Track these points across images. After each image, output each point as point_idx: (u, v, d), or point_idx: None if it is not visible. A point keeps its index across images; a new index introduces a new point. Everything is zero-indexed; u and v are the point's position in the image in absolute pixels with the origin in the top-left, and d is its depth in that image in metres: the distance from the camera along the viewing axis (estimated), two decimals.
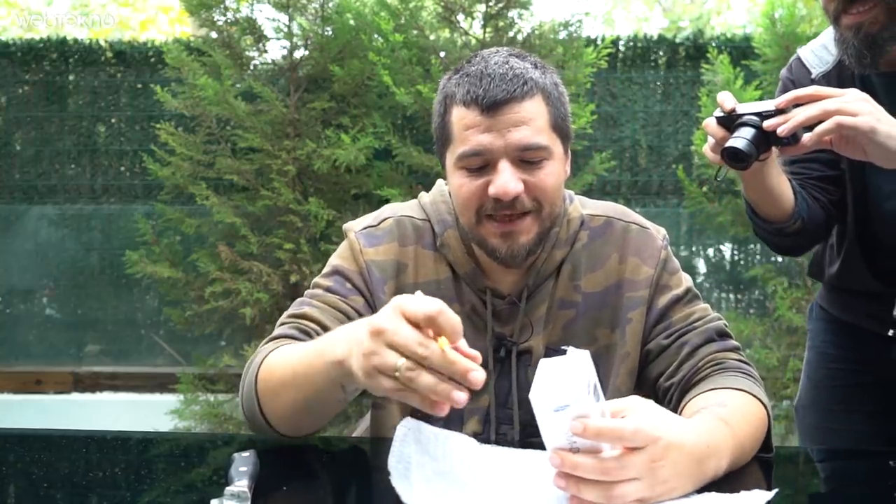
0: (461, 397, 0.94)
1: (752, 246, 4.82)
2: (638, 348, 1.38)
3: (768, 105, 1.41)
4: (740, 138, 1.40)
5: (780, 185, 1.60)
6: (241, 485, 1.01)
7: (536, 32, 3.76)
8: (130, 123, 5.19)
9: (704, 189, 4.42)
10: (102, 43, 5.26)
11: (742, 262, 4.98)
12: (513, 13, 3.74)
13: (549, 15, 4.86)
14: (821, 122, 1.36)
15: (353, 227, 1.45)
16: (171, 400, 4.09)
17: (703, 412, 1.16)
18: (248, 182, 3.77)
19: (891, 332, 1.74)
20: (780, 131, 1.36)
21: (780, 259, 4.46)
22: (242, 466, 1.07)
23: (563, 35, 3.77)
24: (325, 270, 1.43)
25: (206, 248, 3.88)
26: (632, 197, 5.02)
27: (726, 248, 5.05)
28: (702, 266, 5.13)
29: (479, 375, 0.94)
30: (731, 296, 5.08)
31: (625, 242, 1.41)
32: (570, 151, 1.38)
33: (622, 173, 5.04)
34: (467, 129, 1.28)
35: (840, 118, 1.33)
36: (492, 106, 1.26)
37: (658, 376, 1.36)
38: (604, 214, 1.44)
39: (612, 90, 5.04)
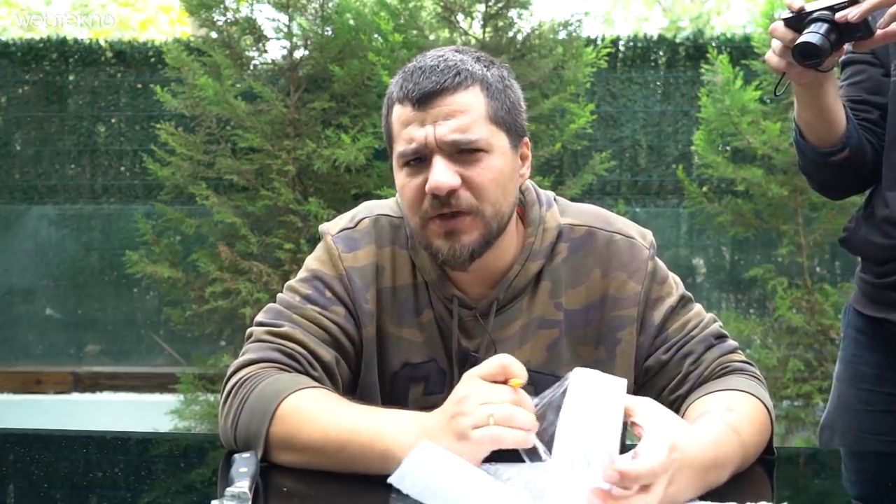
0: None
1: (752, 246, 4.82)
2: (631, 369, 1.31)
3: None
4: (812, 33, 1.34)
5: (836, 105, 1.55)
6: (241, 485, 1.01)
7: (536, 32, 3.76)
8: (130, 123, 5.19)
9: (704, 189, 4.42)
10: (102, 43, 5.27)
11: (742, 262, 4.98)
12: (512, 13, 3.75)
13: (548, 15, 4.86)
14: None
15: (330, 229, 1.36)
16: (171, 400, 4.09)
17: (711, 417, 1.15)
18: (248, 182, 3.77)
19: None
20: (851, 16, 1.31)
21: (780, 259, 4.47)
22: (243, 467, 1.06)
23: (562, 35, 3.78)
24: (302, 275, 1.34)
25: (206, 248, 3.88)
26: (632, 197, 5.02)
27: (726, 248, 5.05)
28: (702, 266, 5.13)
29: None
30: (731, 296, 5.08)
31: (608, 255, 1.32)
32: (526, 148, 1.31)
33: (622, 173, 5.05)
34: (404, 126, 1.23)
35: None
36: (421, 98, 1.21)
37: (661, 390, 1.31)
38: (585, 224, 1.34)
39: (612, 90, 5.04)
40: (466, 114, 1.21)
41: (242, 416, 1.19)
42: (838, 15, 1.33)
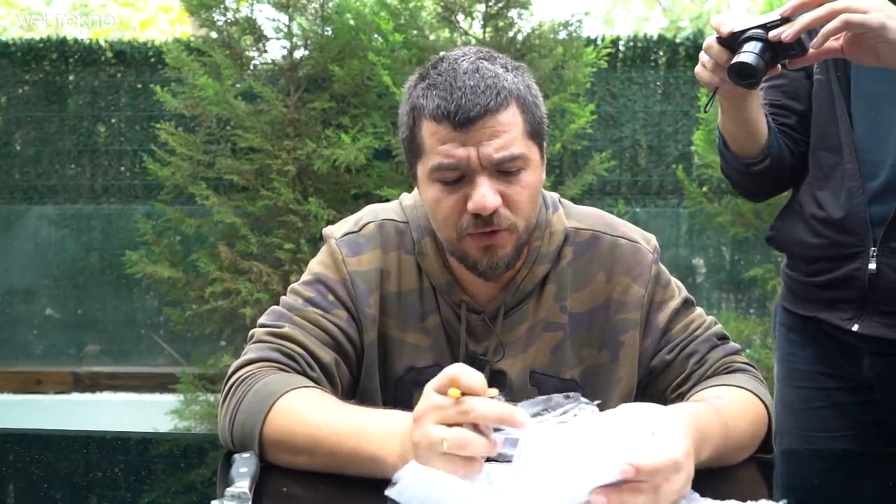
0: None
1: (752, 246, 4.83)
2: (634, 372, 1.32)
3: (772, 16, 1.33)
4: (747, 52, 1.32)
5: (759, 117, 1.56)
6: (241, 486, 1.01)
7: (536, 32, 3.76)
8: (130, 123, 5.20)
9: (704, 189, 4.42)
10: (102, 43, 5.27)
11: (742, 262, 4.98)
12: (512, 13, 3.75)
13: (549, 15, 4.87)
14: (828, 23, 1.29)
15: (334, 232, 1.36)
16: (171, 400, 4.09)
17: (697, 401, 1.18)
18: (248, 182, 3.77)
19: (855, 327, 1.57)
20: (784, 36, 1.29)
21: (780, 259, 4.46)
22: (243, 467, 1.07)
23: (563, 35, 3.78)
24: (305, 277, 1.35)
25: (206, 248, 3.88)
26: (632, 197, 5.02)
27: (726, 248, 5.05)
28: (702, 266, 5.13)
29: (518, 417, 0.96)
30: (731, 296, 5.08)
31: (613, 260, 1.33)
32: (545, 154, 1.31)
33: (622, 173, 5.05)
34: (440, 144, 1.22)
35: (847, 16, 1.26)
36: (466, 121, 1.19)
37: (665, 389, 1.33)
38: (590, 228, 1.36)
39: (612, 90, 5.04)
40: (508, 133, 1.21)
41: (238, 416, 1.19)
42: (772, 34, 1.32)
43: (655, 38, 5.15)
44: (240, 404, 1.19)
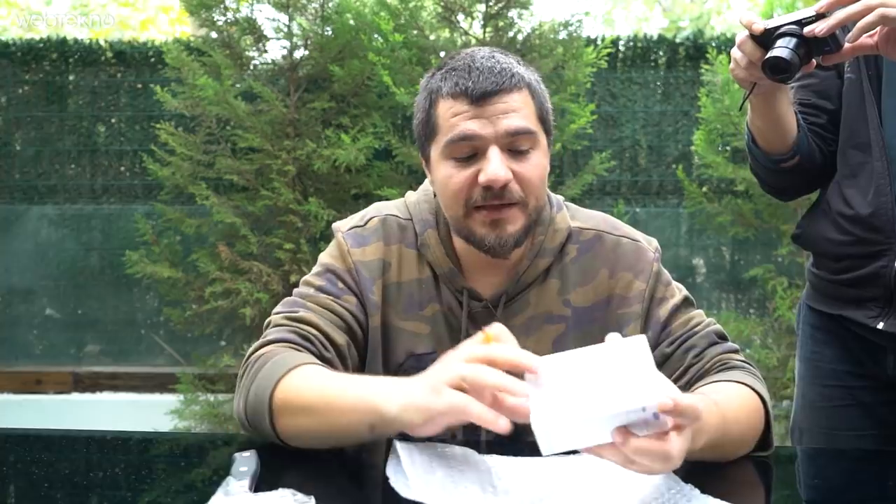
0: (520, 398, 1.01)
1: (752, 246, 4.82)
2: None
3: (807, 12, 1.35)
4: (782, 48, 1.34)
5: (788, 114, 1.58)
6: (242, 485, 1.01)
7: (536, 32, 3.76)
8: (130, 123, 5.19)
9: (704, 189, 4.42)
10: (102, 43, 5.27)
11: (742, 262, 4.98)
12: (513, 13, 3.75)
13: (549, 15, 4.85)
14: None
15: (341, 227, 1.46)
16: (171, 400, 4.09)
17: (696, 395, 1.18)
18: (248, 182, 3.78)
19: (880, 325, 1.58)
20: (819, 31, 1.31)
21: (780, 259, 4.47)
22: (243, 467, 1.07)
23: (563, 35, 3.78)
24: (315, 269, 1.43)
25: (206, 248, 3.88)
26: (632, 197, 5.02)
27: (726, 248, 5.05)
28: (702, 266, 5.13)
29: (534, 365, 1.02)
30: (731, 296, 5.08)
31: (615, 257, 1.39)
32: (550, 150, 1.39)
33: (622, 173, 5.04)
34: (455, 117, 1.29)
35: (884, 10, 1.27)
36: (481, 96, 1.27)
37: None
38: (594, 228, 1.43)
39: (612, 90, 5.03)
40: (521, 111, 1.29)
41: (252, 386, 1.24)
42: (806, 30, 1.33)
43: (655, 38, 5.14)
44: (256, 376, 1.24)
